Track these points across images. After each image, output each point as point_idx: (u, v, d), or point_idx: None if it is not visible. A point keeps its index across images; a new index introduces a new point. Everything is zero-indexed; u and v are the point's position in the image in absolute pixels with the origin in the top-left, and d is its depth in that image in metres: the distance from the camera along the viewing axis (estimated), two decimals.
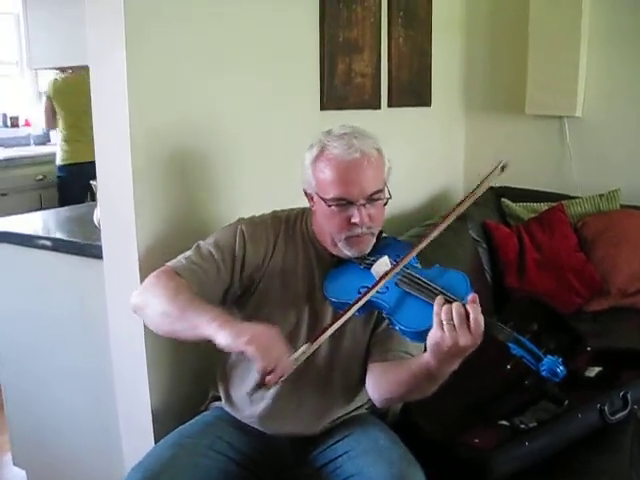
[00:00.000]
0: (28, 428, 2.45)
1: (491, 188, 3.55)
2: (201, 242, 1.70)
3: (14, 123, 5.46)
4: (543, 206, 3.33)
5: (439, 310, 1.35)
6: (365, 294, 1.50)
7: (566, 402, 1.85)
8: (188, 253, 1.67)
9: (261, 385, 1.40)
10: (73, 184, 4.50)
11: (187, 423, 1.72)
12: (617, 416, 1.86)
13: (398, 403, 1.68)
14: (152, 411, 1.86)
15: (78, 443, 2.26)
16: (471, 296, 1.35)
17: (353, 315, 1.51)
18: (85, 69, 1.83)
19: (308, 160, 1.62)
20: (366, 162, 1.54)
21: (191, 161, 1.93)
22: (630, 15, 3.34)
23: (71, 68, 4.39)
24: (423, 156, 3.42)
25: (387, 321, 1.56)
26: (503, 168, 1.57)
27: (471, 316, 1.32)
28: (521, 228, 3.21)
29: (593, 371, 2.11)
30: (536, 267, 3.08)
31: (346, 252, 1.62)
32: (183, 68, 1.86)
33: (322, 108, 2.50)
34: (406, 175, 3.17)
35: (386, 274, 1.51)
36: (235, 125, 2.07)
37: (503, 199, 3.45)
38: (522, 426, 1.79)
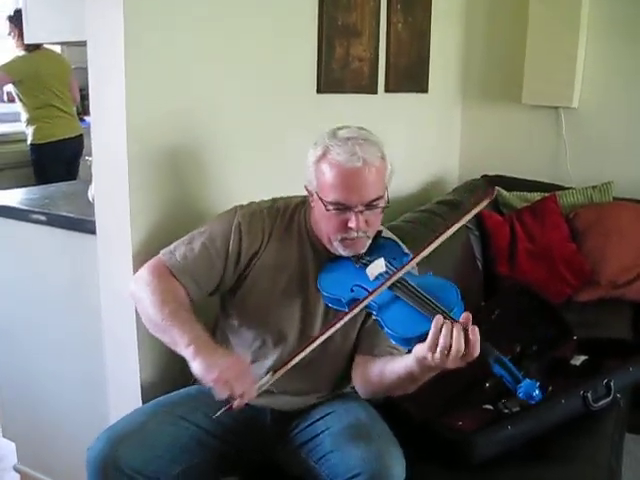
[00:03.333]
0: (18, 401, 2.46)
1: (485, 176, 3.57)
2: (196, 233, 1.71)
3: (10, 98, 5.43)
4: (536, 196, 3.35)
5: (437, 333, 1.34)
6: (339, 319, 1.52)
7: (550, 388, 1.87)
8: (182, 247, 1.68)
9: (228, 410, 1.48)
10: (51, 163, 4.48)
11: (169, 394, 1.75)
12: (600, 403, 1.88)
13: (381, 396, 1.70)
14: (141, 386, 1.88)
15: (67, 416, 2.27)
16: (465, 315, 1.36)
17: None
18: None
19: (311, 159, 1.61)
20: (367, 171, 1.54)
21: (186, 144, 1.93)
22: (629, 7, 3.36)
23: (38, 46, 4.30)
24: (419, 142, 3.43)
25: (375, 319, 1.57)
26: (491, 195, 1.64)
27: (469, 348, 1.33)
28: (513, 217, 3.24)
29: (579, 359, 2.14)
30: (527, 256, 3.10)
31: (341, 252, 1.63)
32: (180, 53, 1.85)
33: (319, 91, 2.50)
34: (401, 161, 3.15)
35: (373, 292, 1.52)
36: (231, 108, 2.07)
37: (497, 188, 3.46)
38: (506, 410, 1.81)
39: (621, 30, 3.40)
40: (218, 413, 1.50)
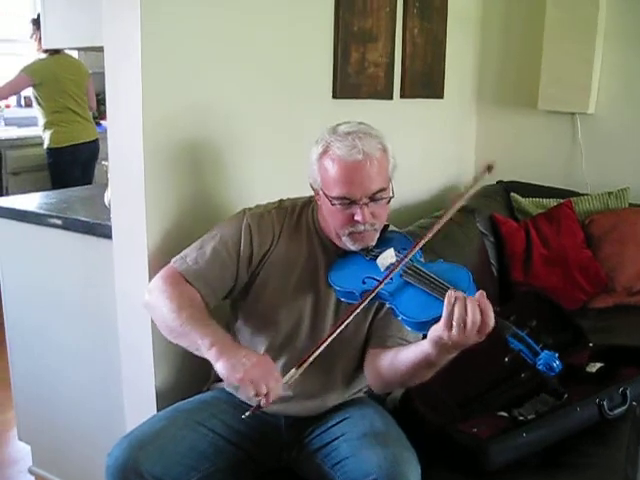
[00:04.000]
0: (33, 404, 2.47)
1: (500, 182, 3.56)
2: (206, 238, 1.72)
3: (27, 103, 5.48)
4: (552, 202, 3.34)
5: (450, 308, 1.34)
6: (354, 308, 1.53)
7: (565, 396, 1.87)
8: (193, 253, 1.69)
9: (256, 409, 1.49)
10: (68, 167, 4.50)
11: (185, 400, 1.76)
12: (615, 412, 1.87)
13: (396, 389, 1.70)
14: (156, 390, 1.88)
15: (82, 420, 2.28)
16: (481, 292, 1.36)
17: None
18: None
19: (314, 156, 1.63)
20: (369, 163, 1.55)
21: (202, 147, 1.94)
22: None
23: (58, 51, 4.34)
24: (434, 148, 3.42)
25: (388, 308, 1.58)
26: (490, 168, 1.60)
27: (483, 317, 1.33)
28: (529, 223, 3.22)
29: (594, 367, 2.12)
30: (542, 262, 3.09)
31: (350, 246, 1.64)
32: (197, 54, 1.87)
33: (334, 96, 2.51)
34: (417, 166, 3.18)
35: (379, 285, 1.53)
36: (247, 112, 2.08)
37: (512, 194, 3.46)
38: (521, 417, 1.80)
39: (638, 36, 3.39)
40: (247, 414, 1.50)
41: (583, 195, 3.38)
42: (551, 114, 3.61)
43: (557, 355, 1.33)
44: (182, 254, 1.71)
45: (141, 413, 1.70)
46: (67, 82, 4.51)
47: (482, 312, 1.33)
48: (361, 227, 1.59)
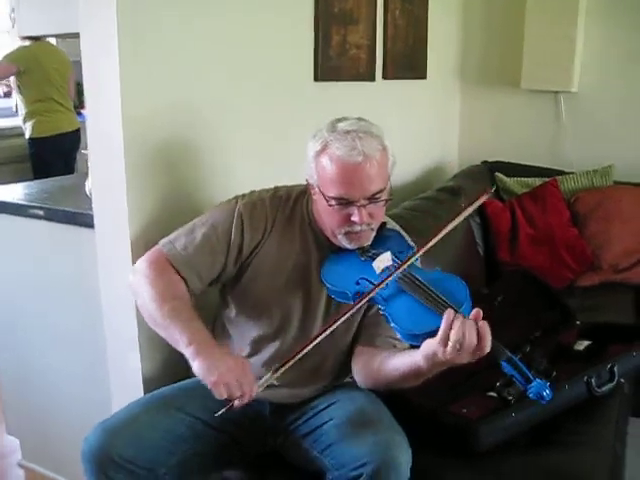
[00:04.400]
0: (20, 397, 2.46)
1: (485, 162, 3.56)
2: (197, 223, 1.68)
3: (6, 92, 5.42)
4: (537, 181, 3.34)
5: (448, 328, 1.33)
6: (343, 314, 1.51)
7: (554, 374, 1.87)
8: (182, 238, 1.66)
9: (228, 409, 1.47)
10: (50, 157, 4.47)
11: (166, 387, 1.75)
12: (604, 388, 1.88)
13: (380, 389, 1.70)
14: (143, 379, 1.87)
15: (70, 411, 2.27)
16: (476, 311, 1.35)
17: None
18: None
19: (311, 152, 1.58)
20: (369, 165, 1.51)
21: (183, 133, 1.91)
22: None
23: (40, 37, 4.31)
24: (418, 129, 3.41)
25: (381, 312, 1.55)
26: (489, 193, 1.60)
27: (480, 342, 1.32)
28: (514, 202, 3.22)
29: (582, 345, 2.13)
30: (528, 241, 3.10)
31: (345, 244, 1.61)
32: (175, 40, 1.84)
33: (316, 79, 2.48)
34: (400, 148, 3.14)
35: (377, 286, 1.51)
36: (228, 97, 2.05)
37: (497, 173, 3.46)
38: (510, 397, 1.80)
39: (620, 13, 3.38)
40: (219, 413, 1.49)
41: (568, 173, 3.38)
42: (534, 93, 3.61)
43: (548, 384, 1.34)
44: (171, 237, 1.67)
45: (128, 401, 1.69)
46: (51, 70, 4.47)
47: (480, 337, 1.32)
48: (358, 227, 1.56)
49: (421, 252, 1.56)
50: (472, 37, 3.76)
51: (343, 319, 1.50)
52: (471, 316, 1.35)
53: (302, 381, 1.71)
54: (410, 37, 3.14)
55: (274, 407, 1.73)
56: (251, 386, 1.45)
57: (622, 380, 1.93)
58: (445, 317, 1.34)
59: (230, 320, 1.76)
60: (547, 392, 1.33)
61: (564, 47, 3.40)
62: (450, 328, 1.32)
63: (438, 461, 1.70)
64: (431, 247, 1.55)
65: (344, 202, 1.54)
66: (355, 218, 1.54)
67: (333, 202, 1.54)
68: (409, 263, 1.53)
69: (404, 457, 1.48)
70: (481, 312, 1.35)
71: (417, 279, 1.51)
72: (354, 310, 1.52)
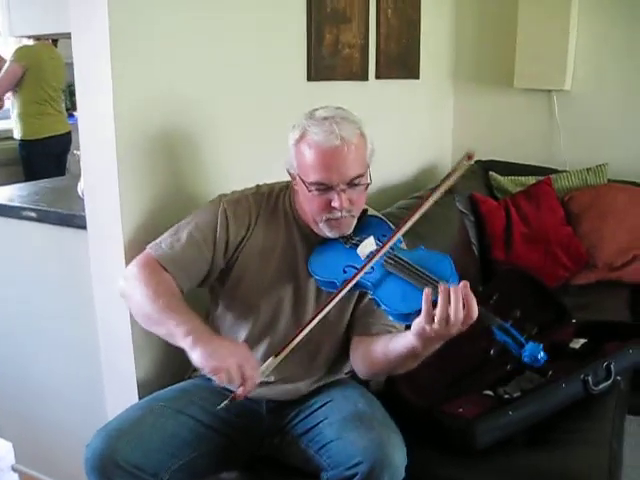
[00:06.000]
0: (13, 400, 2.44)
1: (479, 161, 3.56)
2: (182, 224, 1.69)
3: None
4: (531, 179, 3.34)
5: (429, 305, 1.33)
6: (334, 296, 1.51)
7: (550, 372, 1.87)
8: (168, 239, 1.66)
9: (232, 400, 1.46)
10: (40, 159, 4.44)
11: (164, 389, 1.74)
12: (600, 386, 1.87)
13: (383, 377, 1.69)
14: (138, 382, 1.86)
15: (64, 414, 2.26)
16: (464, 283, 1.35)
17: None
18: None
19: (290, 141, 1.61)
20: (346, 149, 1.53)
21: (176, 135, 1.90)
22: None
23: (40, 37, 4.26)
24: (411, 129, 3.41)
25: (371, 298, 1.56)
26: (470, 157, 1.55)
27: (467, 311, 1.32)
28: (508, 201, 3.22)
29: (578, 343, 2.13)
30: (523, 240, 3.09)
31: (327, 233, 1.63)
32: (167, 39, 1.83)
33: (309, 79, 2.48)
34: (394, 147, 3.16)
35: (358, 273, 1.52)
36: (221, 98, 2.04)
37: (491, 172, 3.46)
38: (506, 396, 1.80)
39: (612, 11, 3.39)
40: (222, 404, 1.48)
41: (562, 172, 3.39)
42: (528, 92, 3.61)
43: (542, 346, 1.33)
44: (158, 240, 1.68)
45: (123, 406, 1.68)
46: (49, 73, 4.46)
47: (466, 306, 1.33)
48: (338, 213, 1.58)
49: (405, 228, 1.57)
50: (465, 36, 3.76)
51: (335, 301, 1.51)
52: (460, 286, 1.34)
53: (297, 374, 1.71)
54: (403, 36, 3.14)
55: (271, 406, 1.73)
56: (254, 370, 1.44)
57: (619, 378, 1.93)
58: (424, 296, 1.34)
59: (221, 318, 1.76)
60: (542, 354, 1.32)
61: (557, 46, 3.40)
62: (433, 304, 1.33)
63: (435, 460, 1.70)
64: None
65: (323, 187, 1.55)
66: (335, 204, 1.55)
67: (313, 188, 1.56)
68: (394, 240, 1.55)
69: (399, 456, 1.47)
70: (468, 283, 1.34)
71: (402, 259, 1.52)
72: (344, 292, 1.52)
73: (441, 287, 1.34)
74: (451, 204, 3.00)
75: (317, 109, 1.62)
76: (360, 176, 1.57)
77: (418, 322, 1.36)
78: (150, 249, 1.67)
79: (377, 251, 1.54)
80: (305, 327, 1.50)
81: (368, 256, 1.57)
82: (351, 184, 1.56)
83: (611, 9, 3.38)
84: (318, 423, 1.62)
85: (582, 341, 2.13)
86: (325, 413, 1.63)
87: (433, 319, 1.33)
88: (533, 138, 3.67)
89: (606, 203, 3.17)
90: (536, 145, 3.65)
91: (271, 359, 1.49)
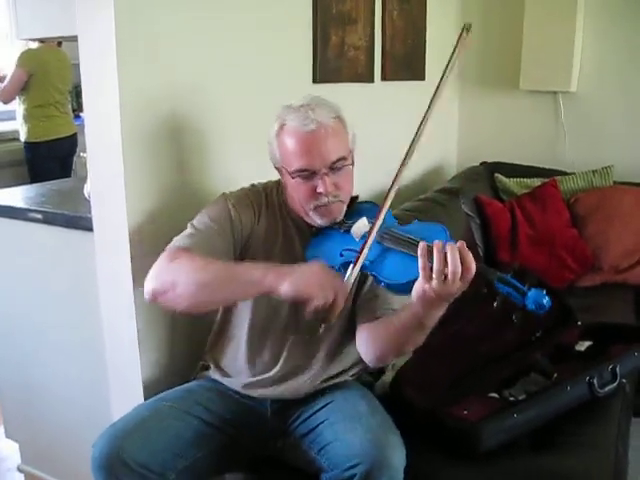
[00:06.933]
0: (19, 401, 2.45)
1: (484, 163, 3.55)
2: (194, 222, 1.69)
3: None
4: (536, 182, 3.34)
5: (425, 261, 1.33)
6: (363, 247, 1.51)
7: (555, 375, 1.86)
8: (186, 232, 1.65)
9: (325, 322, 1.48)
10: (45, 161, 4.45)
11: (169, 390, 1.74)
12: (606, 389, 1.87)
13: (392, 359, 1.69)
14: (143, 383, 1.86)
15: (70, 415, 2.26)
16: (461, 242, 1.34)
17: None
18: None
19: (271, 135, 1.65)
20: (323, 131, 1.57)
21: (181, 135, 1.91)
22: None
23: (45, 40, 4.26)
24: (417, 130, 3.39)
25: (371, 280, 1.58)
26: (468, 30, 1.59)
27: (464, 265, 1.32)
28: (514, 203, 3.22)
29: (583, 345, 2.12)
30: (528, 242, 3.09)
31: (318, 221, 1.64)
32: (175, 39, 1.83)
33: (315, 81, 2.48)
34: (399, 149, 3.15)
35: (371, 230, 1.52)
36: (227, 99, 2.04)
37: (496, 174, 3.45)
38: (511, 398, 1.80)
39: (618, 13, 3.38)
40: (321, 330, 1.55)
41: (567, 174, 3.38)
42: (533, 93, 3.61)
43: (545, 292, 1.31)
44: (175, 239, 1.65)
45: (129, 406, 1.68)
46: (54, 75, 4.47)
47: (462, 260, 1.32)
48: (325, 199, 1.59)
49: (397, 182, 1.59)
50: (471, 38, 3.75)
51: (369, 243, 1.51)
52: (459, 245, 1.34)
53: (298, 366, 1.71)
54: (409, 38, 3.14)
55: (275, 407, 1.73)
56: (339, 283, 1.45)
57: (624, 380, 1.92)
58: (419, 252, 1.34)
59: (229, 312, 1.76)
60: (546, 300, 1.30)
61: (563, 47, 3.40)
62: (428, 261, 1.33)
63: (439, 462, 1.70)
64: None
65: (307, 174, 1.58)
66: (320, 189, 1.57)
67: (296, 175, 1.59)
68: (386, 207, 1.54)
69: (397, 457, 1.47)
70: (464, 243, 1.34)
71: (397, 233, 1.53)
72: (372, 240, 1.51)
73: (435, 242, 1.33)
74: (456, 206, 3.00)
75: (293, 101, 1.66)
76: (342, 159, 1.60)
77: (418, 284, 1.36)
78: (173, 245, 1.63)
79: (374, 224, 1.53)
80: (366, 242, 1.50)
81: (363, 236, 1.57)
82: (333, 167, 1.58)
83: (617, 11, 3.37)
84: (319, 424, 1.62)
85: (587, 343, 2.12)
86: (326, 414, 1.63)
87: (431, 276, 1.32)
88: (539, 140, 3.67)
89: (612, 205, 3.16)
90: (542, 147, 3.64)
91: (350, 267, 1.49)
